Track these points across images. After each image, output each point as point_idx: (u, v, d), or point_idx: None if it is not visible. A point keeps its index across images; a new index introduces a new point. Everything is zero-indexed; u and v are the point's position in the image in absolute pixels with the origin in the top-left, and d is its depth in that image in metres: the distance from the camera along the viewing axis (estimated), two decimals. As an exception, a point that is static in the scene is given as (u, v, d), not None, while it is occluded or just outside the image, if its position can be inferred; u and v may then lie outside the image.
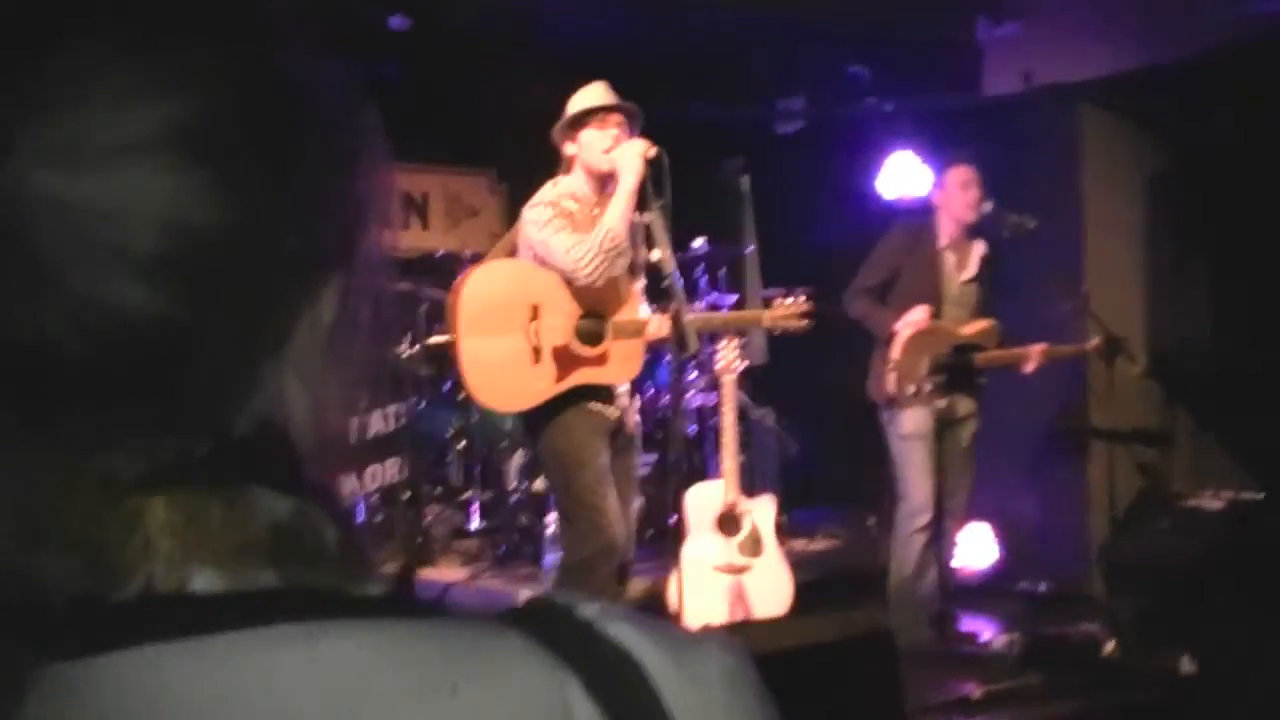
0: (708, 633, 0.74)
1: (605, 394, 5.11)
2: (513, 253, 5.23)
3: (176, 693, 0.63)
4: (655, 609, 5.28)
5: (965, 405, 6.48)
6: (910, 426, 6.34)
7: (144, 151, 0.63)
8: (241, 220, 0.66)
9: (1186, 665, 5.73)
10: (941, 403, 6.35)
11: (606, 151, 5.03)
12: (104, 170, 0.62)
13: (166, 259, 0.63)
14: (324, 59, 0.72)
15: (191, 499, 0.67)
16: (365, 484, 7.06)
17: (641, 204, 4.96)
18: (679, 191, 4.96)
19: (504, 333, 4.95)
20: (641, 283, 5.24)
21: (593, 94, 5.15)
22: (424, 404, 7.64)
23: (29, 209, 0.61)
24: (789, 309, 5.55)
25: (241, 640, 0.64)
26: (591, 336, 5.04)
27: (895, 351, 6.25)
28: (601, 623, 0.70)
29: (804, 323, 5.55)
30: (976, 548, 7.43)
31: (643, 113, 5.19)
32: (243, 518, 0.68)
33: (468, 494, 7.92)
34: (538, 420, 5.10)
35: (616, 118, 5.10)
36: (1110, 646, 6.02)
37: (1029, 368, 6.44)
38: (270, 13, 0.71)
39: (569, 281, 4.96)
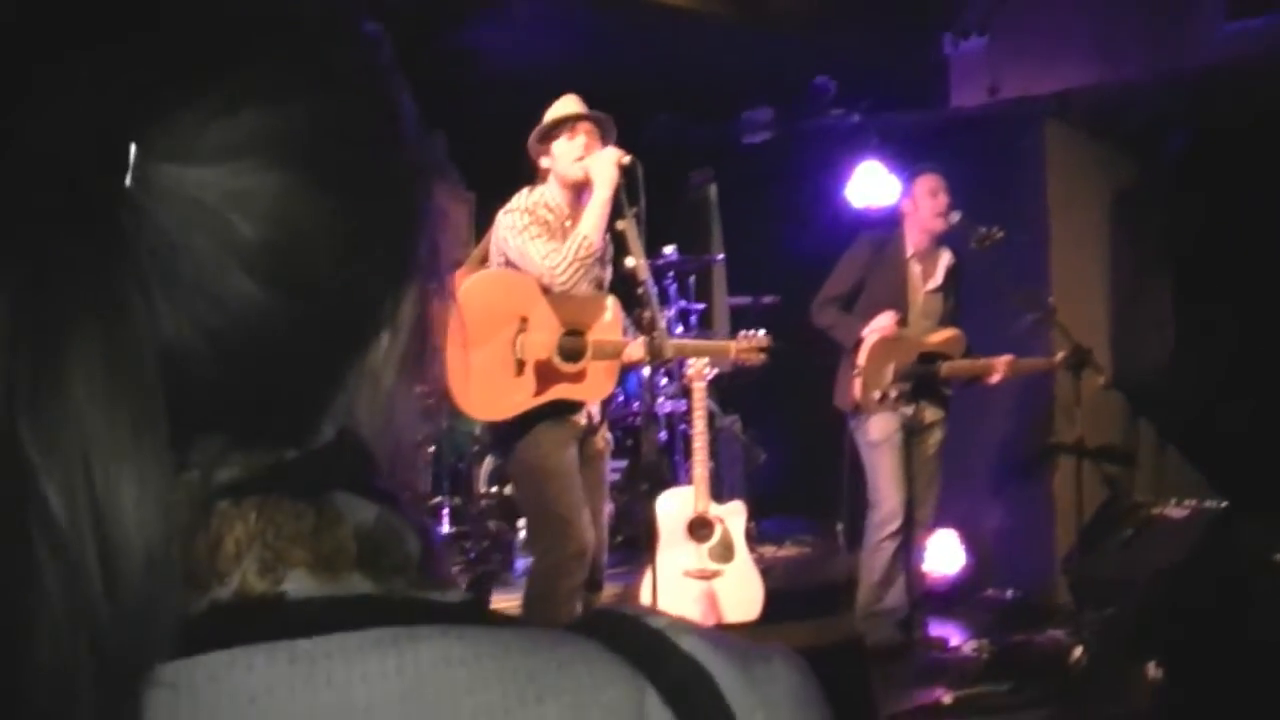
0: (773, 649, 0.75)
1: (572, 407, 5.12)
2: (484, 260, 5.23)
3: (274, 693, 0.64)
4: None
5: (932, 413, 6.51)
6: (878, 433, 6.37)
7: (252, 151, 0.65)
8: (338, 223, 0.68)
9: (1152, 672, 5.77)
10: (908, 410, 6.39)
11: (578, 160, 5.06)
12: (215, 166, 0.64)
13: (270, 250, 0.65)
14: (400, 73, 0.75)
15: (282, 505, 0.68)
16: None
17: (616, 212, 4.98)
18: (648, 201, 4.98)
19: (490, 342, 4.95)
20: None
21: (561, 106, 5.19)
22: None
23: (153, 203, 0.63)
24: (751, 343, 5.58)
25: (337, 643, 0.66)
26: (572, 353, 5.05)
27: (861, 358, 6.28)
28: (672, 634, 0.71)
29: (763, 358, 5.59)
30: (944, 555, 7.47)
31: (613, 122, 5.22)
32: (331, 524, 0.69)
33: (437, 499, 7.91)
34: (506, 430, 5.10)
35: (585, 126, 5.13)
36: (1077, 654, 6.05)
37: (994, 379, 6.46)
38: (370, 32, 0.74)
39: (546, 293, 4.97)
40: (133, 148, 0.62)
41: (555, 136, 5.13)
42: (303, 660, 0.65)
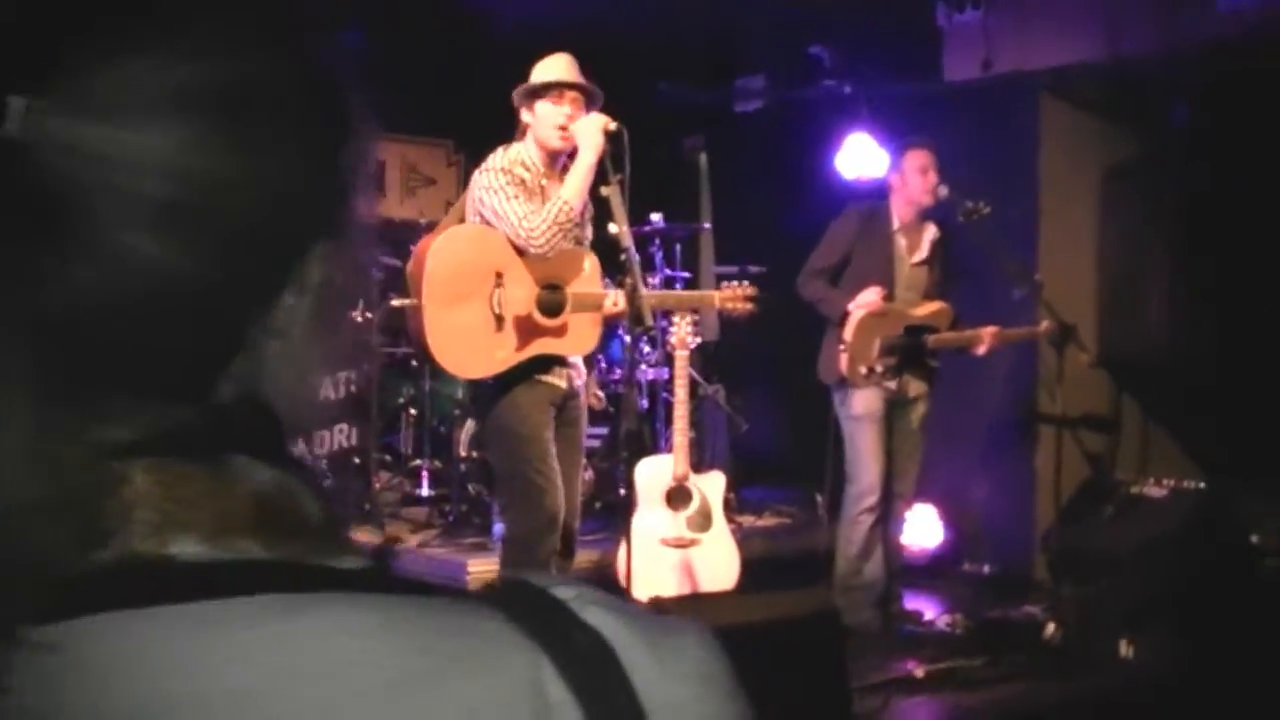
0: (683, 623, 0.73)
1: (556, 364, 5.10)
2: (463, 219, 5.20)
3: (152, 658, 0.63)
4: (603, 581, 5.28)
5: (916, 387, 6.50)
6: (861, 408, 6.36)
7: (157, 106, 0.65)
8: (247, 183, 0.67)
9: (1125, 650, 5.80)
10: (892, 384, 6.38)
11: (559, 128, 5.01)
12: (119, 121, 0.64)
13: (174, 208, 0.65)
14: (329, 33, 0.74)
15: (174, 466, 0.67)
16: (314, 450, 7.03)
17: (600, 178, 4.95)
18: (637, 167, 4.95)
19: (468, 299, 4.93)
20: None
21: (554, 67, 5.12)
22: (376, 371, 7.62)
23: (53, 156, 0.62)
24: (737, 292, 5.58)
25: (223, 609, 0.64)
26: (552, 308, 5.03)
27: (848, 333, 6.26)
28: (578, 605, 0.69)
29: (749, 307, 5.60)
30: (922, 529, 7.48)
31: (602, 94, 5.17)
32: (226, 487, 0.68)
33: (418, 462, 7.92)
34: (485, 392, 5.09)
35: (573, 94, 5.08)
36: (1051, 630, 6.07)
37: (981, 350, 6.44)
38: None
39: (521, 252, 4.95)
40: (19, 101, 0.62)
41: (541, 97, 5.09)
42: (185, 625, 0.64)
